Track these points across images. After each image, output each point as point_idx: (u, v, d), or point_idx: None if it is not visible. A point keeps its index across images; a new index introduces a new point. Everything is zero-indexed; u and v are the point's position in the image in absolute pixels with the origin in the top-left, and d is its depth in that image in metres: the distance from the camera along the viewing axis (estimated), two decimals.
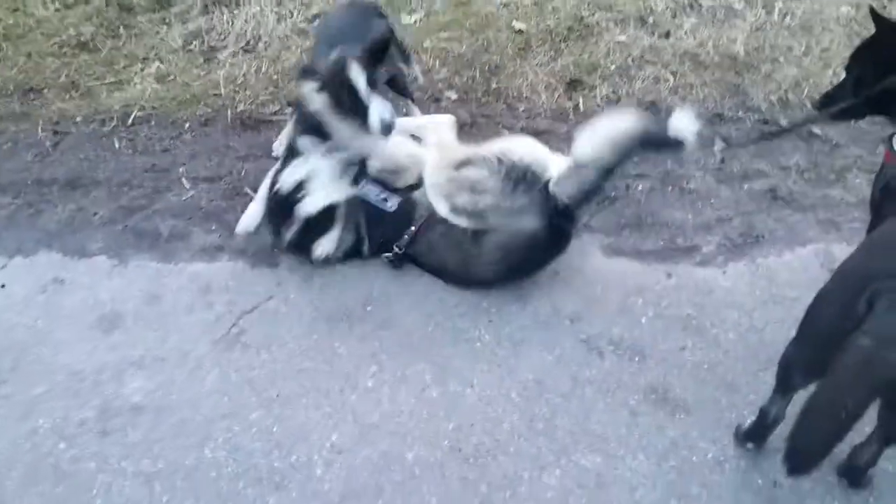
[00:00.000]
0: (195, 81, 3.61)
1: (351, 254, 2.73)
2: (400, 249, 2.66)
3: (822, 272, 2.68)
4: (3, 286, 2.68)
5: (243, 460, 2.16)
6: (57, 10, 4.23)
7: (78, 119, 3.43)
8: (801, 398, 1.89)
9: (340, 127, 2.56)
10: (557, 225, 2.51)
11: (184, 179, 3.10)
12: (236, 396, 2.32)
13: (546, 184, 2.49)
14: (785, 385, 1.99)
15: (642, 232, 2.86)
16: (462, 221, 2.57)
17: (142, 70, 3.71)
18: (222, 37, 3.92)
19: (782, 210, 2.99)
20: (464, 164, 2.59)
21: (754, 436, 2.13)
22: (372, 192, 2.70)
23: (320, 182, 2.63)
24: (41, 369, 2.41)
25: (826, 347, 1.68)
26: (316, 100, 2.51)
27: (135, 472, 2.15)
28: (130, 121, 3.40)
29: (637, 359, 2.41)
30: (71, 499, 2.10)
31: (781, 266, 2.76)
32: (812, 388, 1.71)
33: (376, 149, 2.68)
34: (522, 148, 2.59)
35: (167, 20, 4.07)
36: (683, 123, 2.41)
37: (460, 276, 2.65)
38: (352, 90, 2.45)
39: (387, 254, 2.69)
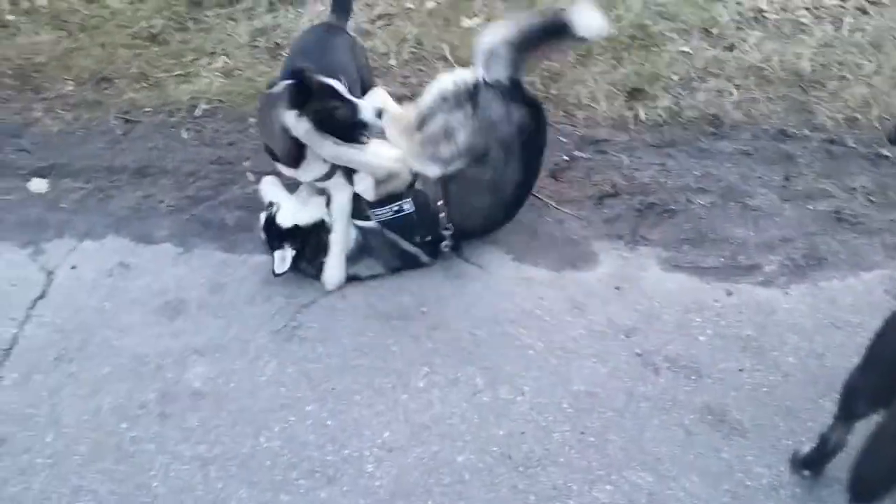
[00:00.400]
0: (260, 77, 3.68)
1: (412, 266, 2.76)
2: (449, 230, 2.69)
3: (886, 298, 2.61)
4: (73, 268, 2.79)
5: (297, 451, 2.21)
6: (130, 2, 4.35)
7: (147, 109, 3.54)
8: (861, 427, 1.88)
9: (325, 145, 2.53)
10: (521, 100, 2.61)
11: (248, 173, 3.16)
12: (293, 388, 2.37)
13: (482, 84, 2.56)
14: (847, 413, 1.95)
15: (702, 248, 2.82)
16: (460, 165, 2.59)
17: (209, 64, 3.80)
18: (287, 34, 3.99)
19: (847, 233, 2.92)
20: (421, 123, 2.62)
21: (812, 463, 2.08)
22: (385, 213, 2.72)
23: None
24: (107, 351, 2.50)
25: (894, 376, 1.64)
26: (300, 125, 2.44)
27: (192, 456, 2.22)
28: (198, 112, 3.50)
29: (693, 377, 2.38)
30: (131, 478, 2.18)
31: (845, 290, 2.69)
32: (876, 417, 1.68)
33: (364, 161, 2.65)
34: (445, 78, 2.64)
35: (234, 16, 4.16)
36: (589, 20, 2.52)
37: (506, 204, 2.74)
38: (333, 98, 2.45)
39: (444, 244, 2.72)
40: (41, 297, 2.69)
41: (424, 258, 2.75)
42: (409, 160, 2.65)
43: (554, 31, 2.60)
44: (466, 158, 2.58)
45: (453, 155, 2.58)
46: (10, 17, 4.21)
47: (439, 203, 2.68)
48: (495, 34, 2.58)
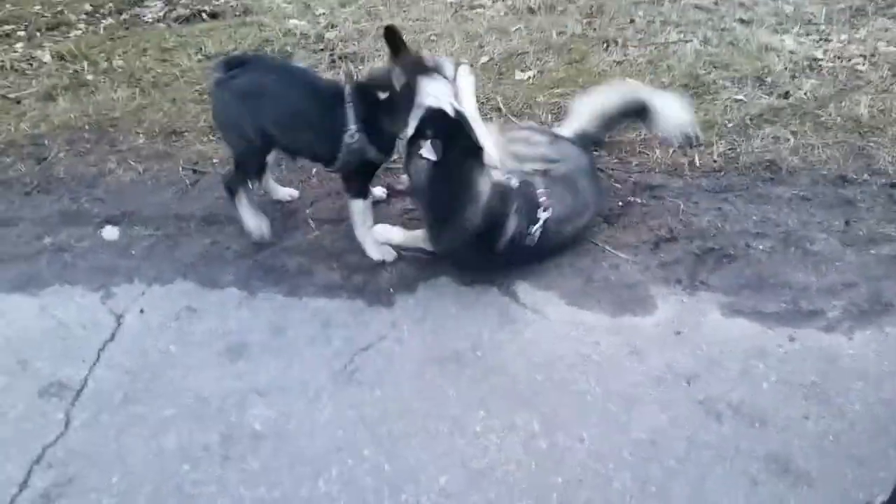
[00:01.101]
0: None
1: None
2: (545, 210, 2.82)
3: None
4: (141, 311, 2.89)
5: (355, 495, 2.21)
6: (199, 60, 4.63)
7: (215, 160, 3.71)
8: None
9: None
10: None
11: (310, 220, 3.27)
12: (350, 431, 2.39)
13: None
14: None
15: (763, 293, 2.77)
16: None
17: None
18: None
19: None
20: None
21: None
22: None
23: None
24: (171, 392, 2.57)
25: None
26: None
27: (252, 499, 2.23)
28: None
29: (757, 425, 2.31)
30: None
31: None
32: None
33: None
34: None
35: None
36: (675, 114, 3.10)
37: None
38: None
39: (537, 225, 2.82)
40: (110, 339, 2.79)
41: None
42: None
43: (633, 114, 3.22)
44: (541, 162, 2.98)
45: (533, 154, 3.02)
46: (89, 77, 4.51)
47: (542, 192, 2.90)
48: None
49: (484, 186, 2.72)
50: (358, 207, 2.97)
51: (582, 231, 3.03)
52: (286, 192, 3.41)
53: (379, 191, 3.33)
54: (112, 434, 2.44)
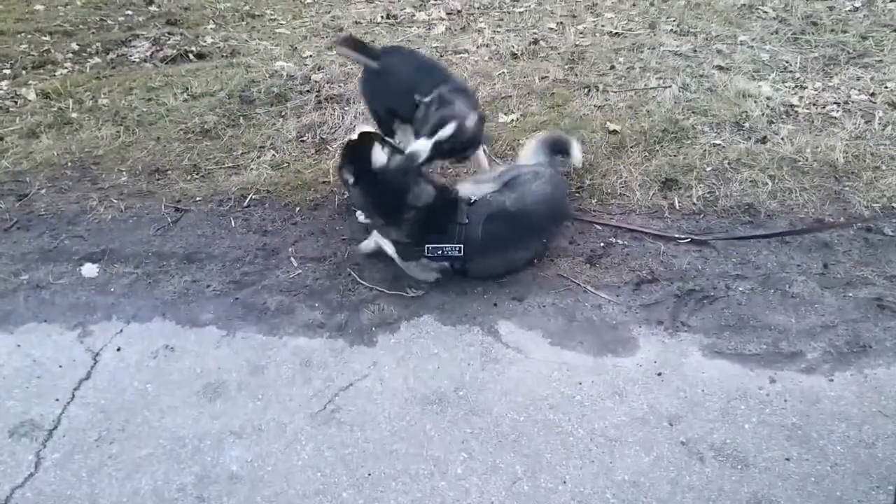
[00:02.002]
0: (307, 170, 3.86)
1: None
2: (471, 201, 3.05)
3: None
4: (119, 349, 2.85)
5: None
6: (185, 100, 4.66)
7: (198, 198, 3.71)
8: None
9: None
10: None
11: (292, 258, 3.26)
12: (329, 473, 2.34)
13: None
14: None
15: (744, 334, 2.79)
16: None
17: (258, 157, 4.01)
18: (333, 130, 4.21)
19: (890, 320, 2.86)
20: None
21: None
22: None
23: None
24: (147, 432, 2.52)
25: None
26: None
27: None
28: (246, 202, 3.65)
29: (740, 467, 2.30)
30: None
31: (891, 378, 2.62)
32: None
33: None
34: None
35: (283, 113, 4.42)
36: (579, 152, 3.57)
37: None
38: None
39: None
40: (86, 378, 2.74)
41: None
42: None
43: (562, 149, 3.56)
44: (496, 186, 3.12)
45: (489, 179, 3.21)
46: (74, 115, 4.52)
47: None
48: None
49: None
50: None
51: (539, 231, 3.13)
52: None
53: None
54: (84, 475, 2.38)
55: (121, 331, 2.95)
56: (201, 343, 2.86)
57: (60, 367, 2.79)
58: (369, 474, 2.34)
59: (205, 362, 2.78)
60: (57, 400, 2.64)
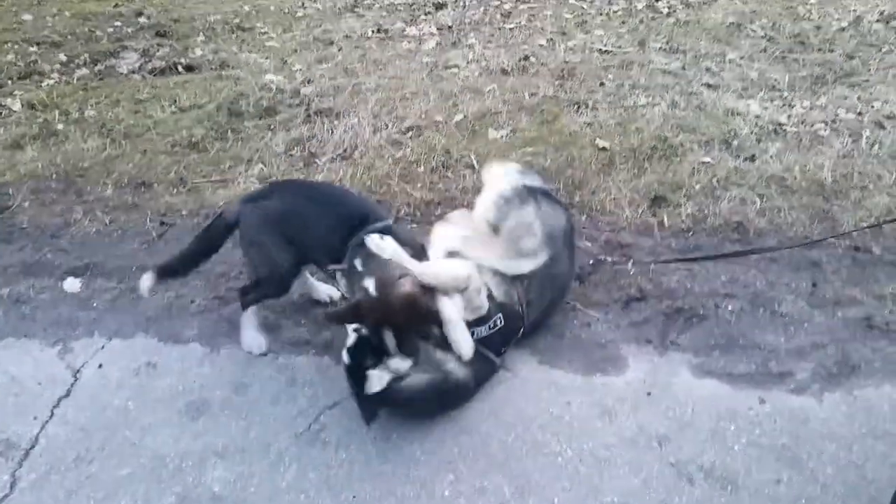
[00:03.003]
0: None
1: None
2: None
3: None
4: (100, 366, 2.79)
5: None
6: (173, 112, 4.63)
7: (183, 212, 3.68)
8: None
9: None
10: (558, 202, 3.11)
11: None
12: (313, 496, 2.29)
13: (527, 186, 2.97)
14: None
15: (733, 353, 2.77)
16: (545, 256, 2.74)
17: (246, 171, 3.98)
18: (322, 144, 4.19)
19: (879, 340, 2.85)
20: (494, 229, 2.81)
21: None
22: (482, 330, 2.59)
23: None
24: (128, 451, 2.46)
25: None
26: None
27: None
28: None
29: (730, 488, 2.27)
30: None
31: (881, 399, 2.60)
32: None
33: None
34: (498, 185, 2.98)
35: (272, 127, 4.40)
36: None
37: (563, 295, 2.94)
38: None
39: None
40: (66, 395, 2.68)
41: (498, 363, 2.70)
42: (501, 266, 2.71)
43: None
44: (548, 248, 2.75)
45: (537, 246, 2.75)
46: (60, 127, 4.49)
47: (523, 306, 2.70)
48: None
49: None
50: None
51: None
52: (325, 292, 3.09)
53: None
54: (62, 496, 2.32)
55: (102, 347, 2.90)
56: (184, 360, 2.81)
57: (39, 384, 2.73)
58: (354, 496, 2.29)
59: (187, 380, 2.72)
60: (35, 418, 2.58)
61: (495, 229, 2.81)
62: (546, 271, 2.75)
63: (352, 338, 2.43)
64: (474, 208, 2.95)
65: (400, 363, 2.40)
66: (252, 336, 2.82)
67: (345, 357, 2.43)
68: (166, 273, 2.75)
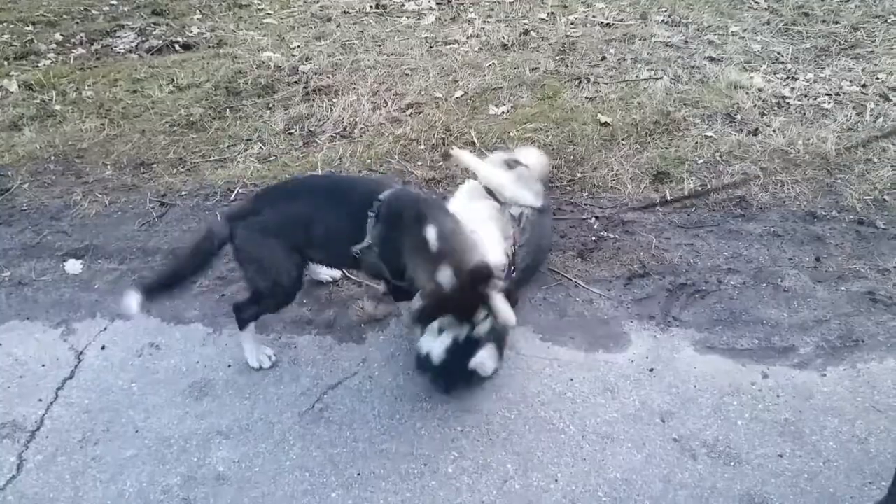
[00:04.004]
0: (294, 162, 3.81)
1: None
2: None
3: None
4: (103, 348, 2.80)
5: None
6: (171, 92, 4.59)
7: (184, 192, 3.66)
8: None
9: None
10: None
11: None
12: (317, 473, 2.31)
13: None
14: None
15: (736, 329, 2.77)
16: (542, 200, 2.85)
17: (245, 150, 3.95)
18: (321, 122, 4.15)
19: (882, 314, 2.85)
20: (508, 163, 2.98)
21: None
22: None
23: None
24: (132, 433, 2.47)
25: None
26: None
27: None
28: (233, 196, 3.60)
29: (732, 464, 2.28)
30: None
31: (884, 372, 2.61)
32: None
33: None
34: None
35: (271, 105, 4.35)
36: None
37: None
38: None
39: None
40: (70, 377, 2.69)
41: None
42: (514, 190, 2.78)
43: None
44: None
45: (538, 190, 2.86)
46: (57, 107, 4.44)
47: (515, 248, 2.65)
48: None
49: None
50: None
51: None
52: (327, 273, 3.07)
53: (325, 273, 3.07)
54: (68, 477, 2.33)
55: (105, 328, 2.90)
56: (187, 341, 2.82)
57: (43, 366, 2.74)
58: (358, 474, 2.30)
59: (191, 360, 2.73)
60: (40, 400, 2.59)
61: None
62: (537, 221, 2.76)
63: (443, 337, 2.38)
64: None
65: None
66: (257, 350, 2.70)
67: (439, 354, 2.37)
68: (153, 292, 2.45)
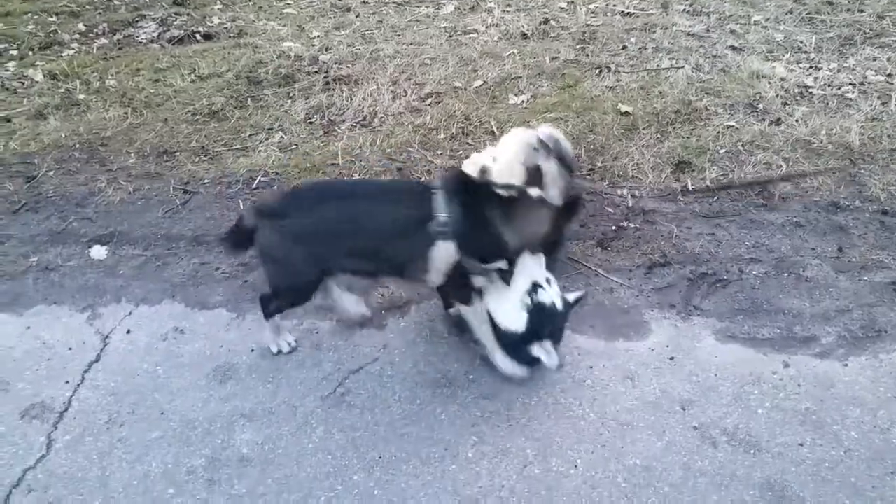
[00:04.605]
0: (315, 151, 3.83)
1: None
2: None
3: None
4: (128, 332, 2.84)
5: None
6: (192, 81, 4.62)
7: (206, 180, 3.69)
8: None
9: None
10: None
11: None
12: (340, 456, 2.34)
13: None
14: None
15: (757, 318, 2.76)
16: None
17: (266, 139, 3.98)
18: (341, 112, 4.17)
19: None
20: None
21: None
22: None
23: None
24: (157, 415, 2.51)
25: None
26: None
27: None
28: (254, 184, 3.63)
29: (753, 452, 2.28)
30: None
31: None
32: None
33: None
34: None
35: (292, 95, 4.38)
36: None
37: None
38: None
39: None
40: (96, 360, 2.74)
41: None
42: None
43: None
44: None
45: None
46: (81, 96, 4.50)
47: None
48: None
49: None
50: (470, 313, 2.60)
51: None
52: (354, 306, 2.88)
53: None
54: (95, 457, 2.38)
55: (130, 313, 2.94)
56: (211, 325, 2.85)
57: (70, 349, 2.78)
58: (380, 457, 2.33)
59: (215, 345, 2.77)
60: (67, 382, 2.64)
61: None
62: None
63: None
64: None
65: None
66: (277, 335, 2.72)
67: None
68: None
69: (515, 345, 2.45)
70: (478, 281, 2.46)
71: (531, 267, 2.48)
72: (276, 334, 2.72)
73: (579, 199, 2.48)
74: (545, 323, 2.42)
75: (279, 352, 2.72)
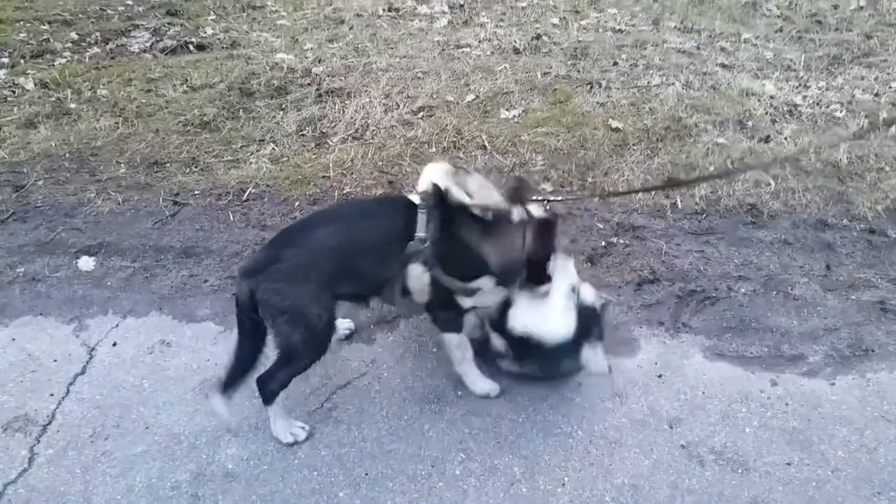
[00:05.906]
0: (306, 164, 3.83)
1: None
2: None
3: None
4: (114, 344, 2.82)
5: None
6: (184, 92, 4.62)
7: (196, 192, 3.68)
8: None
9: None
10: None
11: None
12: (325, 473, 2.32)
13: None
14: None
15: (745, 336, 2.77)
16: None
17: (257, 151, 3.98)
18: (333, 124, 4.18)
19: (892, 324, 2.85)
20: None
21: None
22: None
23: None
24: (142, 429, 2.49)
25: None
26: None
27: None
28: (245, 196, 3.62)
29: (740, 471, 2.28)
30: None
31: (893, 382, 2.60)
32: None
33: None
34: None
35: (283, 107, 4.38)
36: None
37: None
38: None
39: None
40: (82, 373, 2.71)
41: None
42: None
43: None
44: None
45: None
46: (72, 106, 4.48)
47: None
48: None
49: None
50: (452, 342, 2.56)
51: None
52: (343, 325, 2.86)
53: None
54: (78, 471, 2.35)
55: (117, 325, 2.92)
56: (198, 339, 2.84)
57: (55, 361, 2.76)
58: (366, 474, 2.32)
59: (201, 358, 2.75)
60: (51, 395, 2.61)
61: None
62: None
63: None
64: None
65: None
66: (288, 424, 2.46)
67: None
68: (231, 385, 2.32)
69: (560, 351, 2.42)
70: (465, 302, 2.44)
71: (566, 270, 2.49)
72: (287, 421, 2.45)
73: (555, 219, 2.46)
74: (592, 323, 2.43)
75: (294, 442, 2.43)
